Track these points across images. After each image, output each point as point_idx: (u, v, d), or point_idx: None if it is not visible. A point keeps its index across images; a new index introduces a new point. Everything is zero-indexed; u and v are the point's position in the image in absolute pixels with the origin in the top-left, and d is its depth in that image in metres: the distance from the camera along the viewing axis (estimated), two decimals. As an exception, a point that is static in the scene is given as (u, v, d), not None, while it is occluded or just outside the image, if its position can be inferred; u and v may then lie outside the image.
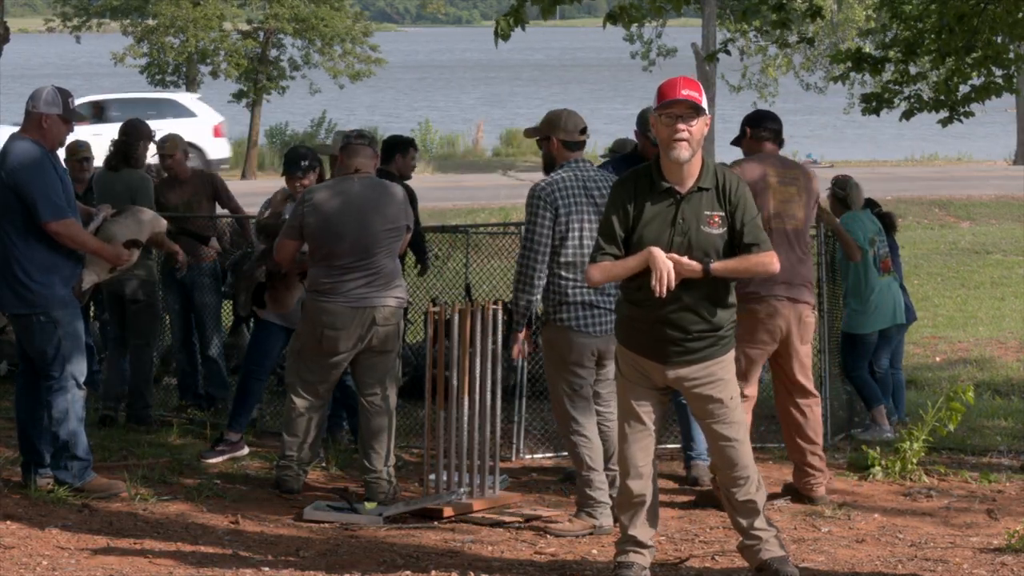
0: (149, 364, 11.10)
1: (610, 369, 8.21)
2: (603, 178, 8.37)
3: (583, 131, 8.46)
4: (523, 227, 8.32)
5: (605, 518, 8.19)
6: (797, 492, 9.00)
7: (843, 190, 11.45)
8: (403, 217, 9.02)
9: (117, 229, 9.07)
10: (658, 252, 6.81)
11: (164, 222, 9.55)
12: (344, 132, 9.55)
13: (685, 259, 6.82)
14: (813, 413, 8.95)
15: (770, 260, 6.97)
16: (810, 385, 8.97)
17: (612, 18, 11.93)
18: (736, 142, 9.32)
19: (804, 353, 8.93)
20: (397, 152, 11.12)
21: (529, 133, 8.74)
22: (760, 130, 9.11)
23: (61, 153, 9.43)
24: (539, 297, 8.29)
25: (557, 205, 8.19)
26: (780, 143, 9.14)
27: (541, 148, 8.61)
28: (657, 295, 6.79)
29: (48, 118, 8.71)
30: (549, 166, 8.47)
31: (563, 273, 8.22)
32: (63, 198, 8.65)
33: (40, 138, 8.72)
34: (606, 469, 8.34)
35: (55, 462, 8.77)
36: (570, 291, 8.21)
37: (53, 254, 8.66)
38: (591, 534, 8.18)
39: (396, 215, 8.97)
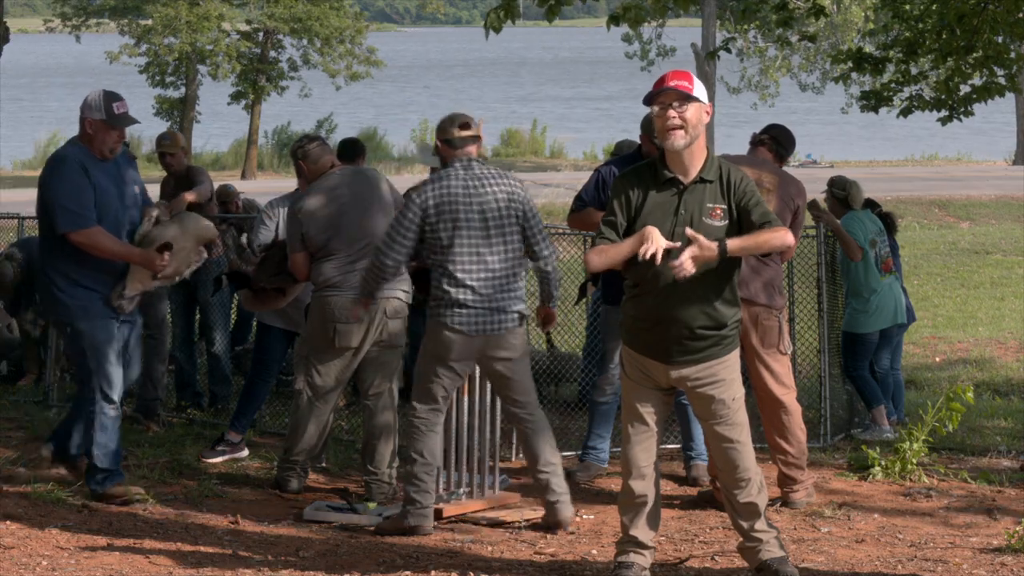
0: (159, 356, 11.08)
1: (504, 370, 8.26)
2: (492, 176, 8.26)
3: (462, 126, 8.32)
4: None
5: (415, 518, 8.18)
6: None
7: (843, 190, 11.42)
8: (392, 193, 9.11)
9: (158, 233, 8.68)
10: (653, 229, 6.76)
11: (214, 230, 9.07)
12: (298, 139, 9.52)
13: (702, 237, 6.74)
14: (786, 422, 8.82)
15: (783, 233, 6.89)
16: (780, 392, 8.80)
17: (615, 19, 11.93)
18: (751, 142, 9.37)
19: (772, 359, 8.80)
20: (358, 156, 11.07)
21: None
22: (760, 135, 9.18)
23: None
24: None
25: (429, 215, 8.15)
26: (778, 155, 9.13)
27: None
28: (640, 259, 6.69)
29: (92, 123, 8.51)
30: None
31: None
32: (84, 206, 8.39)
33: (87, 144, 8.53)
34: (537, 473, 8.34)
35: (88, 474, 8.74)
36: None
37: (78, 264, 8.46)
38: (406, 534, 8.17)
39: (387, 193, 9.07)
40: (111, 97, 8.57)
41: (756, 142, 9.19)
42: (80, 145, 8.56)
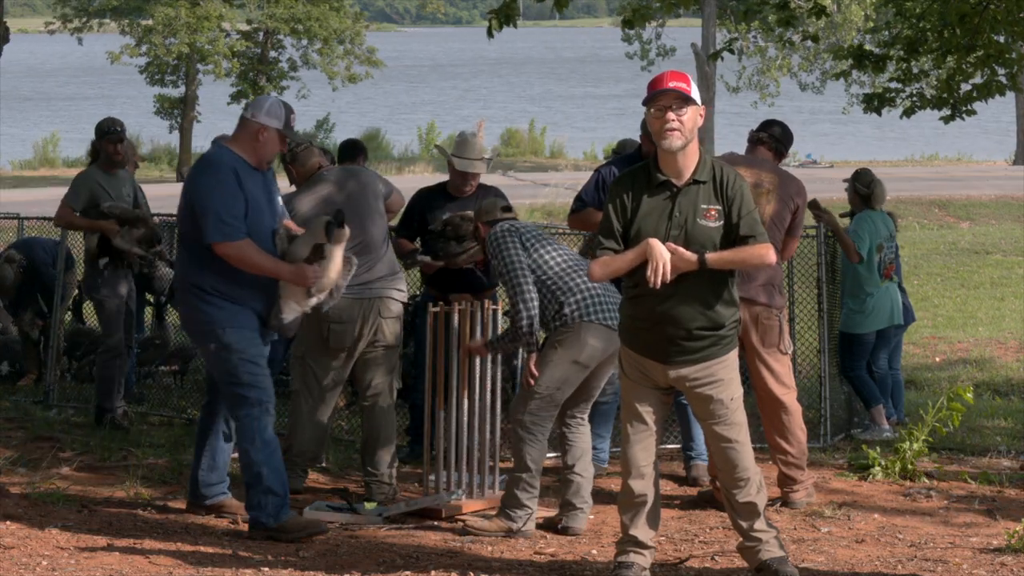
0: (109, 365, 11.05)
1: (604, 372, 8.33)
2: None
3: (504, 209, 8.61)
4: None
5: (523, 522, 8.18)
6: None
7: (867, 187, 11.32)
8: (382, 186, 9.19)
9: (296, 248, 8.09)
10: (655, 243, 6.82)
11: (347, 230, 8.47)
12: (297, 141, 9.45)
13: (682, 248, 6.82)
14: (786, 422, 8.82)
15: (765, 251, 6.94)
16: (781, 392, 8.80)
17: (628, 23, 11.98)
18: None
19: (772, 359, 8.80)
20: (359, 155, 11.10)
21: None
22: (759, 132, 9.16)
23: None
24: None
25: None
26: (776, 152, 9.11)
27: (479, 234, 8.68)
28: (651, 285, 6.78)
29: (266, 131, 7.96)
30: None
31: None
32: (237, 216, 7.83)
33: (249, 151, 7.98)
34: (572, 473, 8.35)
35: (249, 499, 8.08)
36: None
37: (224, 275, 7.90)
38: (507, 536, 8.16)
39: (380, 192, 9.12)
40: (289, 108, 8.05)
41: (755, 140, 9.16)
42: (231, 150, 8.02)
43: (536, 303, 8.11)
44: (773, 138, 9.11)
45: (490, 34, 11.14)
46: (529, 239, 8.26)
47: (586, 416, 8.42)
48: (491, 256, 8.31)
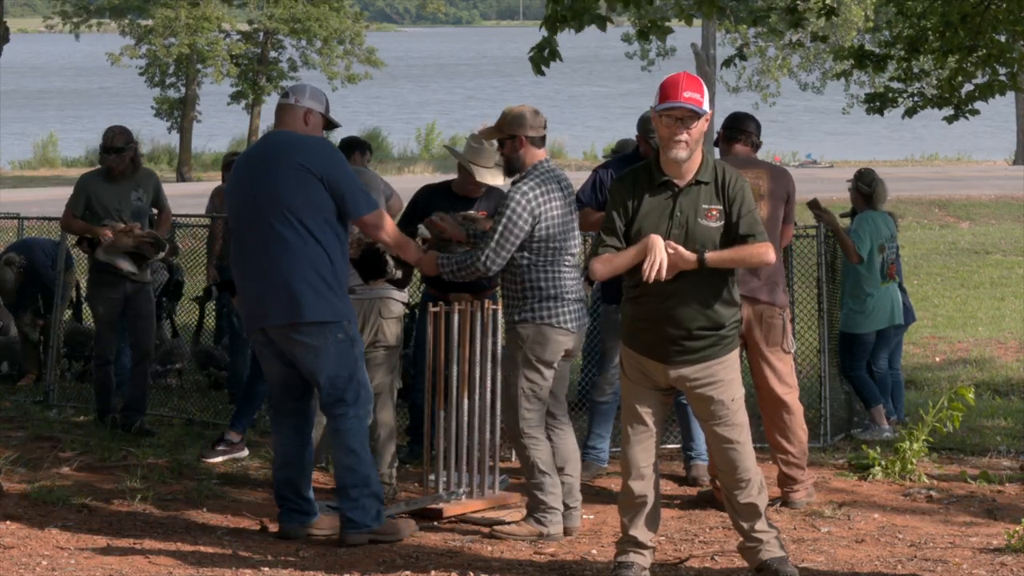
0: (102, 369, 11.05)
1: (566, 366, 8.30)
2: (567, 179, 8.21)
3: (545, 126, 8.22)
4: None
5: (554, 526, 8.17)
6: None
7: (869, 186, 11.32)
8: (382, 188, 9.13)
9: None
10: (656, 239, 6.83)
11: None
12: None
13: (681, 248, 6.83)
14: (787, 421, 8.82)
15: (765, 250, 6.95)
16: (783, 391, 8.80)
17: (644, 35, 11.99)
18: (716, 143, 9.33)
19: (775, 358, 8.80)
20: (356, 151, 11.11)
21: (490, 133, 8.23)
22: (731, 131, 9.12)
23: None
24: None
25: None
26: (753, 145, 9.10)
27: (503, 149, 8.15)
28: (645, 279, 6.78)
29: (312, 114, 7.98)
30: (516, 167, 8.12)
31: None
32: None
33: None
34: (563, 475, 8.30)
35: (345, 498, 7.97)
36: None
37: (342, 265, 7.85)
38: (539, 540, 8.13)
39: (382, 193, 9.16)
40: (325, 96, 8.09)
41: (730, 139, 9.08)
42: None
43: (498, 267, 7.97)
44: (746, 132, 9.09)
45: (538, 72, 11.13)
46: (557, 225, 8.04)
47: (566, 416, 8.37)
48: (510, 196, 7.96)
